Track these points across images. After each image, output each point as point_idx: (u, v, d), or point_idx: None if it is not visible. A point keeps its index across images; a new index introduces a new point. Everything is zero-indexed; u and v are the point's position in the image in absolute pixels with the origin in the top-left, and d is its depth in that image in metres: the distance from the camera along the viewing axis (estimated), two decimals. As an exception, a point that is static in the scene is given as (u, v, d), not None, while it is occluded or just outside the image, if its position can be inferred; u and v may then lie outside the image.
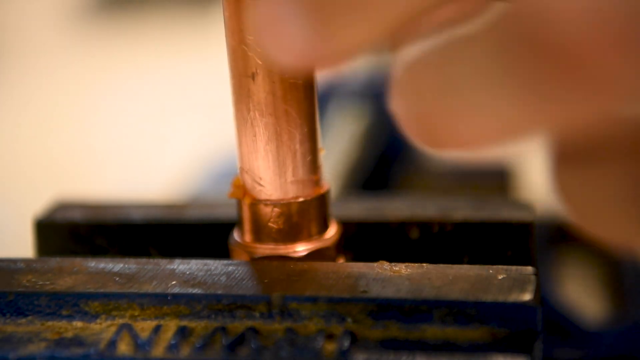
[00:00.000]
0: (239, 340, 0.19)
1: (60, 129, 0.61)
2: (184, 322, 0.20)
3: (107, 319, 0.20)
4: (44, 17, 0.88)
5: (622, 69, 0.13)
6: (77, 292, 0.20)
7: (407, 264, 0.21)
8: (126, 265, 0.21)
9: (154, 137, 0.59)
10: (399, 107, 0.16)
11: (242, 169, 0.22)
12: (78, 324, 0.20)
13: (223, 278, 0.20)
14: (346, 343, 0.19)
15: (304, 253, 0.22)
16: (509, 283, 0.19)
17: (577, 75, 0.14)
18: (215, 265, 0.21)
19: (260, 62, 0.20)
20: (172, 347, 0.19)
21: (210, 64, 0.55)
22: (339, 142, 0.39)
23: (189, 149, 0.52)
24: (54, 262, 0.22)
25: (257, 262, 0.21)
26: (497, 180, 0.42)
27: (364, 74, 0.44)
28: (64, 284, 0.21)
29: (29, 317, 0.20)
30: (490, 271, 0.20)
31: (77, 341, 0.19)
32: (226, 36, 0.21)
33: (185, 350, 0.19)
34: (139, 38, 0.80)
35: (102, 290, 0.20)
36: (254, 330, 0.19)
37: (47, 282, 0.21)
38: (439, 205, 0.24)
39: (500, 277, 0.20)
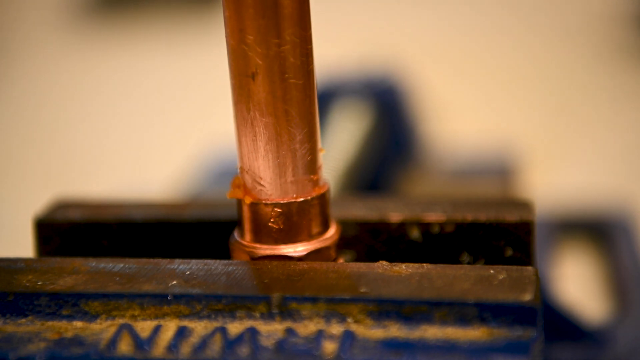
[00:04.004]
0: (239, 340, 0.19)
1: (60, 129, 0.61)
2: (184, 322, 0.20)
3: (107, 319, 0.20)
4: (43, 16, 0.88)
5: None
6: (77, 292, 0.20)
7: (407, 264, 0.21)
8: (126, 265, 0.21)
9: (154, 137, 0.59)
10: None
11: (242, 168, 0.22)
12: (78, 324, 0.20)
13: (223, 278, 0.20)
14: (346, 343, 0.19)
15: (304, 253, 0.22)
16: (509, 283, 0.19)
17: None
18: (215, 265, 0.21)
19: (260, 62, 0.20)
20: (172, 347, 0.19)
21: (210, 64, 0.55)
22: (339, 142, 0.39)
23: (189, 149, 0.52)
24: (54, 262, 0.22)
25: (257, 262, 0.21)
26: (497, 180, 0.42)
27: (364, 73, 0.44)
28: (64, 284, 0.21)
29: (29, 317, 0.20)
30: (491, 271, 0.20)
31: (77, 341, 0.19)
32: (226, 36, 0.21)
33: (185, 350, 0.19)
34: (138, 37, 0.80)
35: (102, 290, 0.20)
36: (254, 330, 0.19)
37: (47, 282, 0.21)
38: (439, 205, 0.24)
39: (500, 277, 0.20)
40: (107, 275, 0.21)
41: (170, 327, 0.20)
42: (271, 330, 0.19)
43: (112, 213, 0.25)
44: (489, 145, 0.48)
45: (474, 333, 0.19)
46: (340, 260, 0.23)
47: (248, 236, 0.22)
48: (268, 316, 0.19)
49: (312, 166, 0.21)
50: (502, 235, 0.23)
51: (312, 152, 0.21)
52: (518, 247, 0.23)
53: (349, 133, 0.40)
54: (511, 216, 0.23)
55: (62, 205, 0.25)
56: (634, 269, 0.37)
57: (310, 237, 0.22)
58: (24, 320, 0.20)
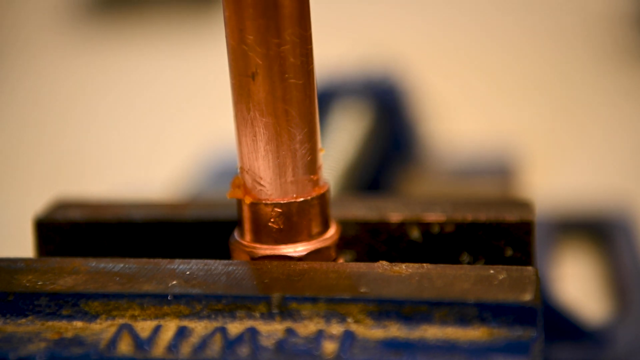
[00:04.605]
0: (239, 340, 0.19)
1: (60, 129, 0.61)
2: (184, 322, 0.20)
3: (107, 319, 0.20)
4: (42, 16, 0.88)
5: None
6: (77, 292, 0.20)
7: (407, 264, 0.21)
8: (126, 265, 0.21)
9: (154, 137, 0.59)
10: None
11: (242, 168, 0.22)
12: (78, 324, 0.20)
13: (223, 278, 0.20)
14: (346, 343, 0.19)
15: (304, 253, 0.22)
16: (509, 283, 0.19)
17: None
18: (215, 265, 0.21)
19: (260, 62, 0.20)
20: (172, 347, 0.19)
21: (210, 64, 0.55)
22: (339, 142, 0.39)
23: (189, 149, 0.52)
24: (54, 262, 0.22)
25: (257, 262, 0.21)
26: (497, 180, 0.42)
27: (364, 73, 0.44)
28: (64, 284, 0.21)
29: (29, 317, 0.20)
30: (491, 271, 0.20)
31: (77, 341, 0.19)
32: (226, 36, 0.21)
33: (185, 350, 0.19)
34: (138, 37, 0.80)
35: (102, 290, 0.20)
36: (254, 330, 0.19)
37: (47, 282, 0.21)
38: (439, 205, 0.24)
39: (500, 277, 0.20)
40: (107, 275, 0.21)
41: (170, 327, 0.20)
42: (271, 330, 0.19)
43: (112, 213, 0.25)
44: (489, 145, 0.48)
45: (474, 333, 0.19)
46: (340, 260, 0.23)
47: (248, 236, 0.22)
48: (268, 316, 0.19)
49: (312, 166, 0.21)
50: (502, 235, 0.23)
51: (312, 152, 0.21)
52: (518, 247, 0.23)
53: (349, 133, 0.40)
54: (511, 216, 0.23)
55: (62, 205, 0.25)
56: (634, 269, 0.37)
57: (310, 237, 0.22)
58: (24, 320, 0.20)
